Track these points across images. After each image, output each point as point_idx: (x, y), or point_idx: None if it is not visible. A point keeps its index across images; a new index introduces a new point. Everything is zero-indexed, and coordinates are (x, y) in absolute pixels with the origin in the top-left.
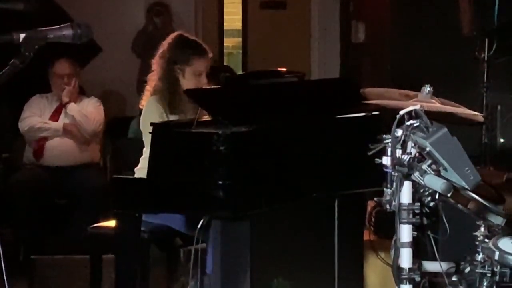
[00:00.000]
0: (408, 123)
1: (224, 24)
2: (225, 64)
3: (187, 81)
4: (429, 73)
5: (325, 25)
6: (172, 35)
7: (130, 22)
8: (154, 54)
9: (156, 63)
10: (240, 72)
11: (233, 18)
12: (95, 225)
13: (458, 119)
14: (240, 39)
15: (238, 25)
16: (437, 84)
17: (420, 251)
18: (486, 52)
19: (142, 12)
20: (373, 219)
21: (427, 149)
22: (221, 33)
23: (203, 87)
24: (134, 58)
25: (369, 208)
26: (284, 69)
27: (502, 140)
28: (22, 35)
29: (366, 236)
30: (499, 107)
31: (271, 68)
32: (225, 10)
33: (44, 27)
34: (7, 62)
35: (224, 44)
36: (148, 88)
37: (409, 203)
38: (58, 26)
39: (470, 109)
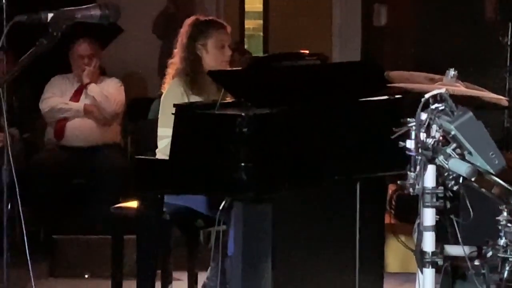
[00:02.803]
0: (433, 107)
1: (245, 5)
2: (245, 46)
3: (211, 56)
4: (452, 56)
5: (347, 8)
6: (187, 20)
7: (151, 3)
8: (175, 37)
9: (176, 50)
10: (260, 54)
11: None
12: (117, 205)
13: (483, 103)
14: (261, 21)
15: (259, 7)
16: (459, 68)
17: (441, 235)
18: (509, 37)
19: None
20: (393, 203)
21: (452, 133)
22: (242, 15)
23: (228, 59)
24: (155, 39)
25: (389, 192)
26: (307, 52)
27: None
28: (50, 15)
29: (387, 219)
30: None
31: (293, 51)
32: None
33: (68, 7)
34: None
35: (245, 26)
36: (170, 71)
37: (432, 187)
38: (86, 6)
39: (493, 93)
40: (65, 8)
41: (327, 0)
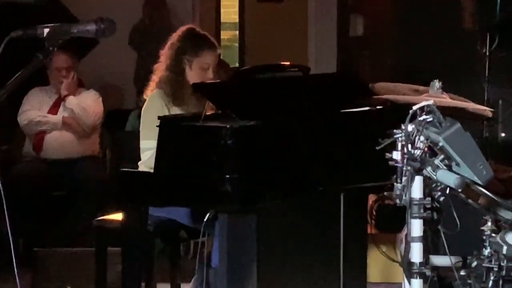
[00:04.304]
0: (421, 118)
1: (221, 17)
2: (221, 57)
3: (193, 74)
4: (430, 67)
5: (323, 18)
6: (183, 28)
7: (127, 15)
8: (151, 48)
9: (164, 54)
10: (236, 65)
11: (229, 11)
12: (101, 218)
13: (467, 114)
14: (236, 32)
15: (234, 18)
16: (437, 78)
17: (425, 245)
18: (487, 47)
19: (139, 5)
20: (374, 213)
21: (440, 144)
22: (217, 26)
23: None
24: (132, 51)
25: (370, 202)
26: (288, 63)
27: (503, 135)
28: (46, 30)
29: (368, 229)
30: (500, 102)
31: (269, 62)
32: (222, 3)
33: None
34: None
35: (221, 37)
36: (155, 78)
37: (420, 198)
38: (82, 21)
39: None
40: (61, 23)
41: (303, 11)
